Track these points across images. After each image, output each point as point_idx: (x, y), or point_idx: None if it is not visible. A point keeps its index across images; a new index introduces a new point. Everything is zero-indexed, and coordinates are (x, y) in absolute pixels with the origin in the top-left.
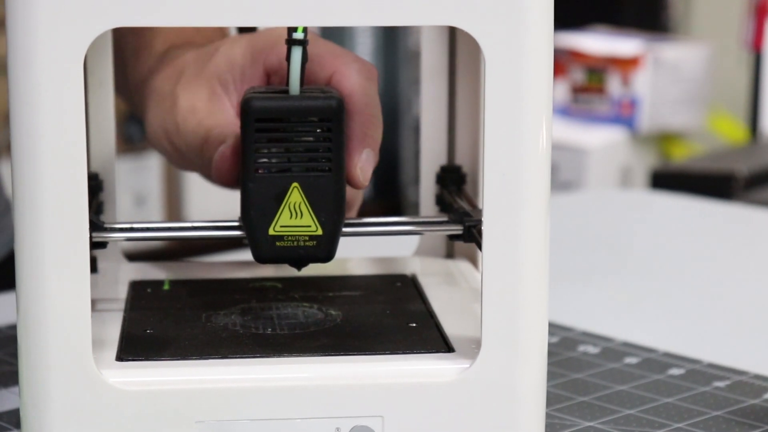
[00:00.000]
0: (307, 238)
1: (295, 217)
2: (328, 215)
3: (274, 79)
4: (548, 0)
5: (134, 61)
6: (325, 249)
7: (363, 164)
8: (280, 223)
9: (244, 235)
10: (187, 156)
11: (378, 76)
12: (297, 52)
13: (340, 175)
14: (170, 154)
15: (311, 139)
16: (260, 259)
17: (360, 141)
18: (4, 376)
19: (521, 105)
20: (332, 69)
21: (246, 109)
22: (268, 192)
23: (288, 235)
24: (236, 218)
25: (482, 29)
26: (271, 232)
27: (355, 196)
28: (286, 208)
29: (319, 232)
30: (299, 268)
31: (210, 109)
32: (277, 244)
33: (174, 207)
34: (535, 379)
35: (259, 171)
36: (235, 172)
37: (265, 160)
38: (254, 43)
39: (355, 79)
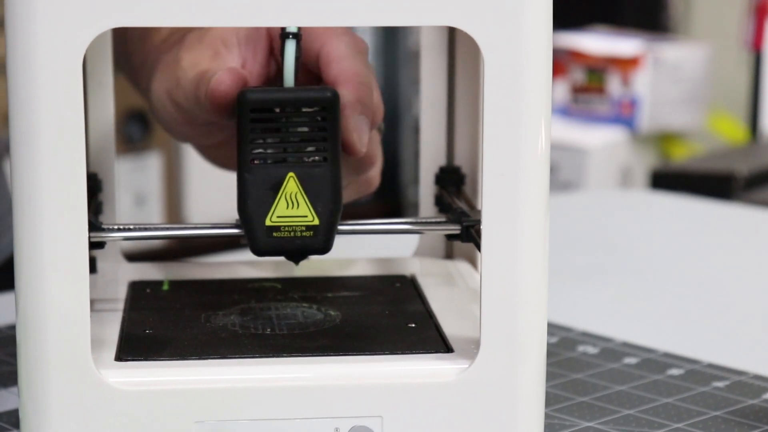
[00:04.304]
0: (303, 228)
1: (291, 207)
2: (324, 205)
3: (276, 47)
4: (547, 0)
5: (140, 45)
6: (322, 240)
7: (358, 130)
8: (277, 213)
9: (242, 234)
10: (185, 107)
11: (368, 50)
12: (291, 46)
13: (336, 165)
14: (172, 115)
15: (306, 129)
16: (257, 251)
17: (353, 108)
18: (3, 377)
19: (520, 105)
20: (322, 41)
21: (241, 101)
22: (265, 182)
23: (285, 226)
24: (234, 219)
25: (481, 29)
26: (267, 222)
27: (375, 151)
28: (283, 198)
29: (316, 222)
30: (297, 262)
31: (211, 63)
32: (274, 234)
33: (174, 207)
34: (534, 380)
35: (255, 162)
36: (231, 99)
37: (260, 150)
38: None
39: (344, 51)
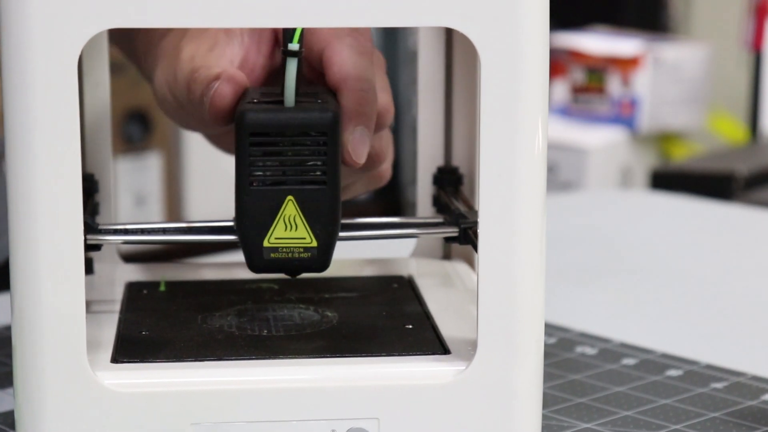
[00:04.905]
0: (301, 249)
1: (289, 229)
2: (323, 227)
3: (281, 36)
4: (544, 1)
5: (144, 31)
6: (319, 260)
7: (355, 142)
8: (275, 235)
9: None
10: (181, 101)
11: (372, 49)
12: (292, 64)
13: (335, 188)
14: (173, 107)
15: (306, 152)
16: (255, 269)
17: (352, 118)
18: None
19: (517, 106)
20: (325, 42)
21: (241, 123)
22: (263, 205)
23: (282, 247)
24: (233, 218)
25: (478, 30)
26: (265, 243)
27: (385, 148)
28: (281, 220)
29: (314, 244)
30: (293, 276)
31: (207, 56)
32: (272, 255)
33: (174, 207)
34: (531, 381)
35: (254, 184)
36: (233, 107)
37: (260, 173)
38: None
39: (347, 54)
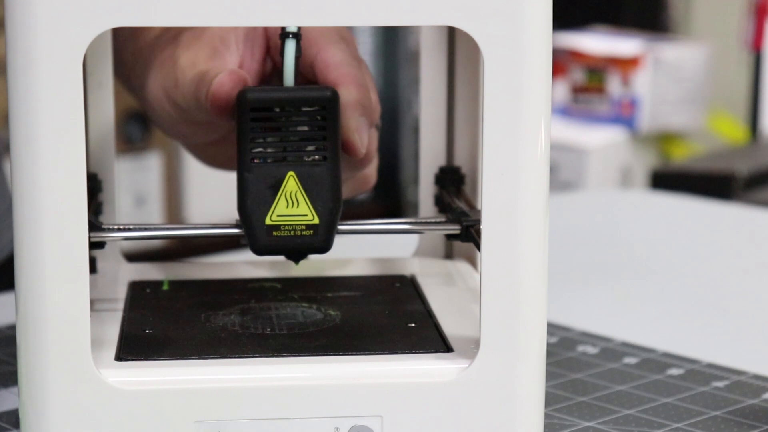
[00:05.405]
0: (303, 227)
1: (291, 206)
2: (324, 204)
3: (273, 46)
4: (547, 0)
5: (132, 41)
6: (322, 238)
7: (360, 130)
8: (277, 212)
9: (242, 234)
10: (183, 107)
11: (360, 57)
12: (291, 46)
13: (335, 164)
14: (169, 114)
15: (306, 128)
16: (257, 250)
17: (354, 109)
18: (3, 376)
19: (520, 105)
20: (318, 47)
21: (241, 100)
22: (265, 181)
23: (285, 225)
24: (234, 220)
25: (481, 29)
26: (267, 221)
27: (372, 149)
28: (283, 197)
29: (316, 221)
30: (297, 261)
31: (210, 61)
32: (274, 233)
33: (174, 207)
34: (533, 379)
35: (255, 161)
36: (232, 101)
37: (260, 149)
38: None
39: (341, 56)
